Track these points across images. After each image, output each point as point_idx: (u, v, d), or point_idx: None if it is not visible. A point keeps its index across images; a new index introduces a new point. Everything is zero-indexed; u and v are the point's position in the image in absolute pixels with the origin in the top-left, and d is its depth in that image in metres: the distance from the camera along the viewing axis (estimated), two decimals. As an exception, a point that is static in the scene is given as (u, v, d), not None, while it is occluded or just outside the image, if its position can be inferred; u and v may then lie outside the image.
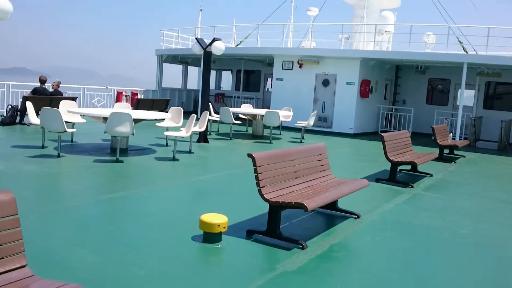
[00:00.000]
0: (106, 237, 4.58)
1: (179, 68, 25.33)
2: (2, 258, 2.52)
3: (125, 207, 5.75)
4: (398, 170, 8.66)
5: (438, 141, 11.74)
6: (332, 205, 5.87)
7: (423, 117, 19.17)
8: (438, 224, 5.86)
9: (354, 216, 5.83)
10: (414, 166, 9.10)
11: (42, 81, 14.04)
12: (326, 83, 18.10)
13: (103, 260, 3.98)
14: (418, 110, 19.20)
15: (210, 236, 4.54)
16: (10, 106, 13.65)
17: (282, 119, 14.18)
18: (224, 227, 4.55)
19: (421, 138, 16.71)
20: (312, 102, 18.32)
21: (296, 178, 5.33)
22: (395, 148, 8.68)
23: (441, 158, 11.62)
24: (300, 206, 4.46)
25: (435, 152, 10.72)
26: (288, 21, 21.61)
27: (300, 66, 18.42)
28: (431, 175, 9.22)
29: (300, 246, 4.58)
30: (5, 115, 13.40)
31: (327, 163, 6.08)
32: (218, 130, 15.61)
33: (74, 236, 4.55)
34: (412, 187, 8.05)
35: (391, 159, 8.23)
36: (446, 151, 12.56)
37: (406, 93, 20.92)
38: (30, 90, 14.16)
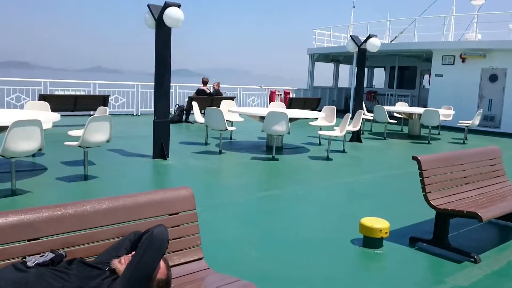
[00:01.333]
0: (265, 233, 4.70)
1: (328, 66, 25.27)
2: (182, 250, 2.70)
3: (282, 205, 5.85)
4: None
5: None
6: (509, 216, 5.23)
7: None
8: None
9: (536, 230, 5.12)
10: None
11: (205, 82, 15.13)
12: (493, 78, 16.38)
13: (263, 256, 4.08)
14: None
15: (371, 241, 4.36)
16: (177, 106, 15.00)
17: (441, 118, 13.20)
18: (386, 233, 4.34)
19: None
20: (477, 100, 16.73)
21: (466, 184, 4.86)
22: None
23: None
24: (473, 215, 4.04)
25: None
26: (449, 13, 20.07)
27: (463, 61, 16.96)
28: None
29: (472, 260, 4.15)
30: (173, 114, 14.75)
31: (502, 169, 5.44)
32: (371, 129, 15.15)
33: (237, 230, 4.76)
34: None
35: None
36: None
37: None
38: (194, 91, 15.40)
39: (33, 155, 7.87)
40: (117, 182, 6.62)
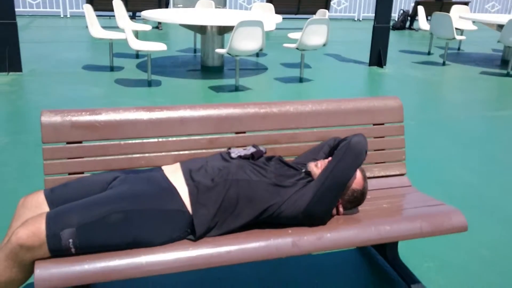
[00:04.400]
0: (486, 156, 4.17)
1: None
2: (384, 162, 2.54)
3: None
4: None
5: None
6: None
7: None
8: None
9: None
10: None
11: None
12: None
13: (479, 182, 3.64)
14: None
15: None
16: (402, 11, 13.96)
17: None
18: None
19: None
20: None
21: None
22: None
23: None
24: None
25: None
26: None
27: None
28: None
29: None
30: (396, 19, 13.83)
31: None
32: None
33: (451, 149, 4.33)
34: None
35: None
36: None
37: None
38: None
39: (257, 55, 8.38)
40: (330, 87, 6.62)
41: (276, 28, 8.26)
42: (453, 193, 3.44)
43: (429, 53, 9.48)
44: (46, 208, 1.86)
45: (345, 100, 2.52)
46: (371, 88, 6.85)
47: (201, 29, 7.10)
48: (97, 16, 7.34)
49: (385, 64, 7.90)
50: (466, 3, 13.35)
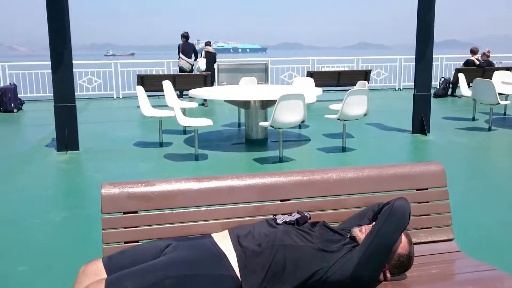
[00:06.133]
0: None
1: None
2: (430, 227, 2.54)
3: None
4: None
5: None
6: None
7: None
8: None
9: None
10: None
11: (474, 52, 13.69)
12: None
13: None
14: None
15: None
16: (442, 79, 14.05)
17: None
18: None
19: None
20: None
21: None
22: None
23: None
24: None
25: None
26: None
27: None
28: None
29: None
30: (438, 87, 13.89)
31: None
32: None
33: (503, 216, 4.21)
34: None
35: None
36: None
37: None
38: (463, 62, 14.12)
39: (299, 127, 8.59)
40: (373, 156, 6.66)
41: (317, 100, 8.49)
42: (505, 258, 3.32)
43: (473, 119, 9.40)
44: (104, 275, 1.98)
45: (387, 166, 2.58)
46: (415, 156, 6.83)
47: (244, 104, 7.42)
48: (148, 96, 7.84)
49: (428, 131, 7.89)
50: (508, 68, 13.33)
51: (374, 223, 2.07)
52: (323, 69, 14.86)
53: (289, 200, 2.41)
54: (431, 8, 7.56)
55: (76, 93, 7.11)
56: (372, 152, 6.89)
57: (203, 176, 2.39)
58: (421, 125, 7.93)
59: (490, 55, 13.98)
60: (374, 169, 2.55)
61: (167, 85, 8.12)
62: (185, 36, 12.92)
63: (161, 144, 7.33)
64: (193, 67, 12.87)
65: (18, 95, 11.60)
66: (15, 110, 11.14)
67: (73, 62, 6.90)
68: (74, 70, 7.06)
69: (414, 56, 8.01)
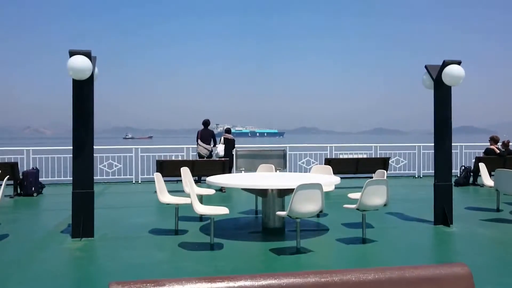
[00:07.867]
0: None
1: None
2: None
3: None
4: None
5: None
6: None
7: None
8: None
9: None
10: None
11: (494, 140, 13.64)
12: None
13: None
14: None
15: None
16: (463, 167, 13.90)
17: None
18: None
19: None
20: None
21: None
22: None
23: None
24: None
25: None
26: None
27: None
28: None
29: None
30: (458, 175, 13.70)
31: None
32: None
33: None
34: None
35: None
36: None
37: None
38: (482, 151, 14.03)
39: (318, 216, 8.42)
40: (395, 248, 6.42)
41: (336, 187, 8.40)
42: None
43: (498, 210, 9.12)
44: None
45: (409, 267, 2.45)
46: (439, 250, 6.57)
47: (262, 192, 7.37)
48: (166, 181, 7.87)
49: (451, 223, 7.64)
50: (530, 157, 13.15)
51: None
52: (341, 156, 14.88)
53: (305, 303, 2.27)
54: (449, 107, 7.69)
55: (95, 177, 7.18)
56: (393, 244, 6.64)
57: (215, 276, 2.28)
58: (443, 216, 7.70)
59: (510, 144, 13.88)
60: (395, 271, 2.41)
61: (185, 172, 8.17)
62: (205, 123, 13.26)
63: (176, 232, 7.22)
64: (212, 153, 13.04)
65: (40, 179, 11.80)
66: (35, 194, 11.26)
67: (94, 147, 7.02)
68: (94, 155, 7.17)
69: (433, 144, 7.99)
